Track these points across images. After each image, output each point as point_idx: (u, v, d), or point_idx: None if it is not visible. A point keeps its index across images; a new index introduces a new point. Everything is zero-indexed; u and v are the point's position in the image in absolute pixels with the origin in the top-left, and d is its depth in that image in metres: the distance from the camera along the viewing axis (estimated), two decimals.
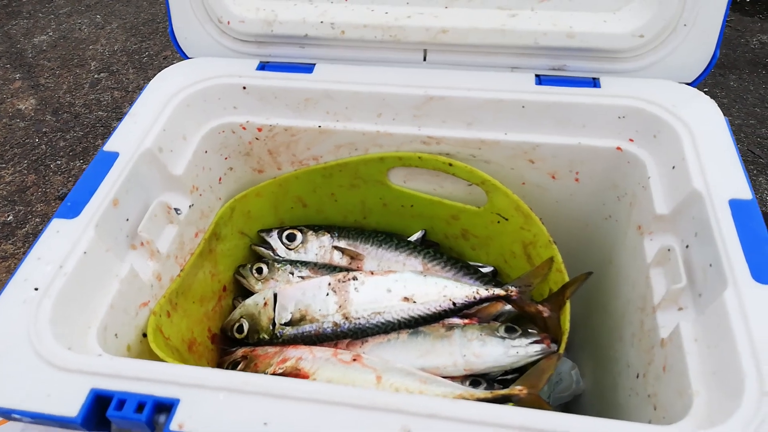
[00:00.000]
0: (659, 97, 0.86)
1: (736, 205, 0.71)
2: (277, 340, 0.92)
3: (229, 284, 1.04)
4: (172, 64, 1.00)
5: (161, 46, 2.55)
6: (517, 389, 0.73)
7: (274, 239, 1.07)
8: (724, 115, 0.84)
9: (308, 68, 0.97)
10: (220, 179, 1.00)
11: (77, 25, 2.69)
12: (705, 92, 0.88)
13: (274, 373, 0.85)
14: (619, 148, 0.89)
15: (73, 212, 0.76)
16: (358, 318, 0.89)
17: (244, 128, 0.99)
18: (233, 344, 0.97)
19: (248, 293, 1.02)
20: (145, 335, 0.80)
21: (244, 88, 0.96)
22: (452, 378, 0.83)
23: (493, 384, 0.85)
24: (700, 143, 0.79)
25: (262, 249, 1.07)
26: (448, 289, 0.89)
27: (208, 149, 0.96)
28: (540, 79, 0.92)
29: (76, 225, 0.75)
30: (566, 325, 0.80)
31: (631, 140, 0.88)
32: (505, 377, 0.87)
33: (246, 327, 0.95)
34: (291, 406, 0.57)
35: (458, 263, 1.00)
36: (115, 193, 0.79)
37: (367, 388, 0.78)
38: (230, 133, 0.99)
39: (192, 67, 0.99)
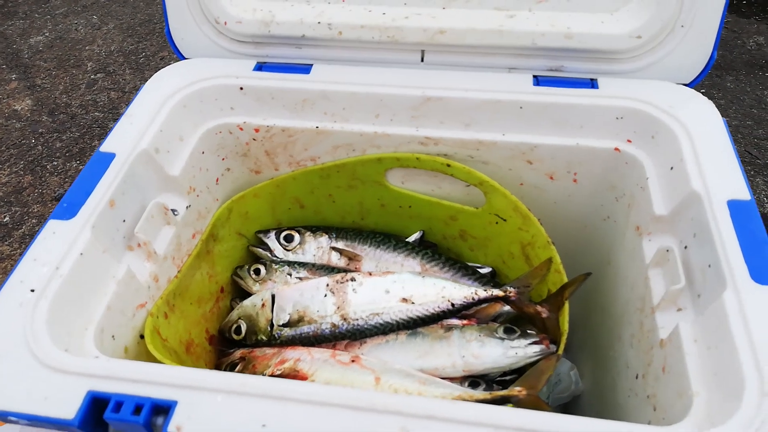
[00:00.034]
0: (657, 98, 0.86)
1: (734, 206, 0.71)
2: (275, 342, 0.92)
3: (226, 285, 1.04)
4: (169, 64, 0.99)
5: (158, 46, 2.54)
6: (516, 390, 0.73)
7: (271, 240, 1.07)
8: (722, 116, 0.84)
9: (305, 69, 0.97)
10: (217, 180, 1.00)
11: (73, 25, 2.68)
12: (702, 93, 0.88)
13: (272, 375, 0.84)
14: (617, 149, 0.89)
15: (70, 213, 0.76)
16: (357, 319, 0.88)
17: (241, 129, 0.98)
18: (231, 346, 0.97)
19: (246, 294, 1.02)
20: (142, 337, 0.80)
21: (241, 88, 0.96)
22: (451, 379, 0.83)
23: (492, 385, 0.85)
24: (698, 144, 0.79)
25: (260, 250, 1.07)
26: (447, 290, 0.89)
27: (205, 150, 0.96)
28: (538, 80, 0.92)
29: (72, 226, 0.75)
30: (565, 326, 0.80)
31: (629, 141, 0.88)
32: (504, 378, 0.86)
33: (244, 328, 0.95)
34: (289, 408, 0.57)
35: (457, 264, 1.00)
36: (111, 194, 0.79)
37: (365, 389, 0.78)
38: (227, 133, 0.99)
39: (189, 67, 0.99)
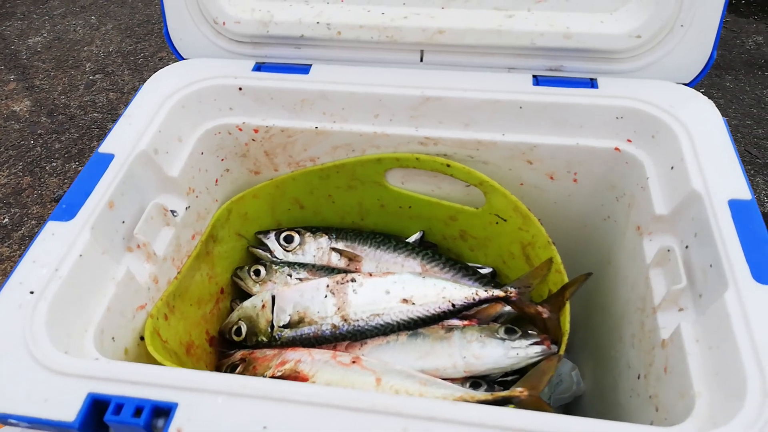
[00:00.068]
0: (657, 98, 0.86)
1: (735, 206, 0.71)
2: (276, 343, 0.92)
3: (226, 286, 1.04)
4: (168, 65, 0.99)
5: (156, 47, 2.54)
6: (517, 391, 0.73)
7: (271, 241, 1.06)
8: (721, 115, 0.84)
9: (304, 69, 0.97)
10: (216, 181, 1.00)
11: (72, 26, 2.68)
12: (701, 93, 0.88)
13: (273, 376, 0.84)
14: (617, 149, 0.89)
15: (69, 215, 0.76)
16: (357, 320, 0.88)
17: (240, 129, 0.98)
18: (231, 347, 0.97)
19: (246, 295, 1.02)
20: (142, 338, 0.79)
21: (240, 89, 0.95)
22: (452, 380, 0.83)
23: (494, 386, 0.85)
24: (698, 144, 0.79)
25: (260, 251, 1.07)
26: (447, 290, 0.88)
27: (204, 151, 0.96)
28: (537, 80, 0.92)
29: (71, 227, 0.74)
30: (566, 326, 0.80)
31: (629, 141, 0.88)
32: (505, 379, 0.86)
33: (244, 329, 0.95)
34: (290, 410, 0.57)
35: (457, 264, 1.00)
36: (110, 196, 0.79)
37: (366, 390, 0.78)
38: (226, 134, 0.98)
39: (187, 68, 0.98)
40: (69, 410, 0.58)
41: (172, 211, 0.88)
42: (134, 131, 0.87)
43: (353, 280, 0.91)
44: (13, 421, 0.59)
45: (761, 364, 0.57)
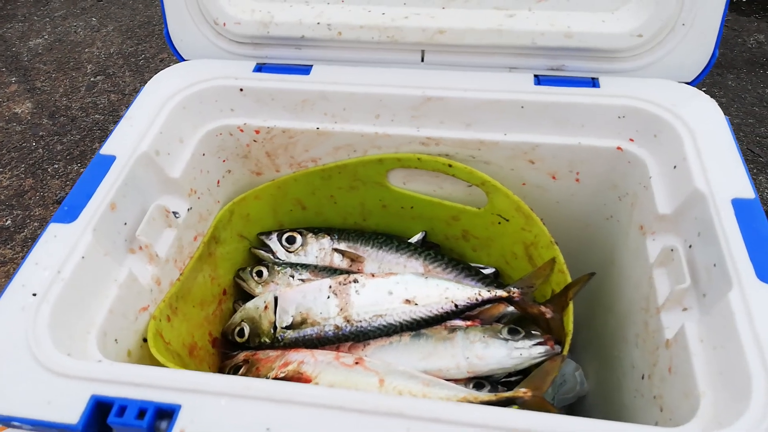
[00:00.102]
0: (659, 97, 0.86)
1: (738, 205, 0.70)
2: (279, 344, 0.92)
3: (229, 288, 1.03)
4: (169, 66, 0.99)
5: (157, 48, 2.54)
6: (521, 391, 0.73)
7: (273, 242, 1.06)
8: (723, 114, 0.84)
9: (305, 70, 0.97)
10: (218, 182, 1.00)
11: (73, 28, 2.68)
12: (703, 92, 0.88)
13: (276, 377, 0.84)
14: (619, 148, 0.88)
15: (71, 216, 0.76)
16: (360, 321, 0.88)
17: (241, 130, 0.98)
18: (234, 348, 0.97)
19: (249, 297, 1.02)
20: (145, 340, 0.79)
21: (241, 90, 0.95)
22: (455, 380, 0.83)
23: (497, 386, 0.84)
24: (701, 142, 0.79)
25: (262, 252, 1.07)
26: (450, 290, 0.88)
27: (206, 152, 0.96)
28: (539, 80, 0.92)
29: (73, 229, 0.74)
30: (570, 327, 0.80)
31: (632, 140, 0.88)
32: (508, 379, 0.86)
33: (247, 331, 0.95)
34: (293, 411, 0.57)
35: (459, 265, 0.99)
36: (112, 197, 0.79)
37: (369, 391, 0.78)
38: (228, 135, 0.98)
39: (188, 69, 0.98)
40: (72, 412, 0.58)
41: (174, 213, 0.88)
42: (135, 133, 0.86)
43: (356, 281, 0.91)
44: (16, 423, 0.59)
45: (766, 363, 0.56)
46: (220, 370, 0.95)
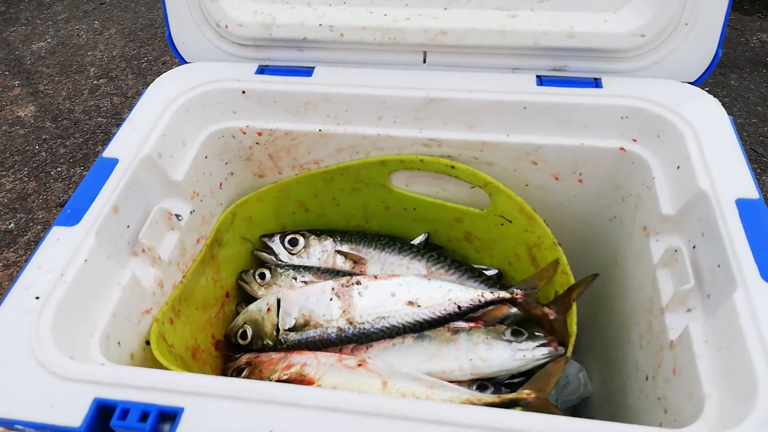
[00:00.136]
0: (662, 97, 0.86)
1: (743, 205, 0.70)
2: (282, 346, 0.92)
3: (231, 290, 1.03)
4: (171, 69, 0.99)
5: (160, 51, 2.54)
6: (525, 393, 0.72)
7: (276, 244, 1.06)
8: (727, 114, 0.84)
9: (307, 71, 0.97)
10: (220, 184, 1.00)
11: (75, 31, 2.69)
12: (706, 92, 0.88)
13: (278, 380, 0.84)
14: (622, 149, 0.88)
15: (74, 219, 0.76)
16: (363, 323, 0.88)
17: (244, 133, 0.98)
18: (237, 351, 0.97)
19: (251, 299, 1.01)
20: (148, 343, 0.79)
21: (244, 92, 0.95)
22: (459, 382, 0.83)
23: (501, 388, 0.84)
24: (704, 142, 0.79)
25: (265, 254, 1.06)
26: (453, 292, 0.88)
27: (208, 154, 0.96)
28: (541, 80, 0.92)
29: (76, 232, 0.74)
30: (573, 328, 0.79)
31: (635, 140, 0.88)
32: (512, 381, 0.86)
33: (250, 333, 0.95)
34: (297, 414, 0.57)
35: (462, 266, 0.99)
36: (115, 200, 0.79)
37: (372, 393, 0.78)
38: (230, 137, 0.98)
39: (190, 71, 0.98)
40: (75, 416, 0.58)
41: (177, 215, 0.88)
42: (138, 135, 0.87)
43: (358, 283, 0.91)
44: (19, 426, 0.59)
45: None
46: (223, 372, 0.95)
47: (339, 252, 1.05)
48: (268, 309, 0.94)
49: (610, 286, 0.95)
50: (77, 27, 2.71)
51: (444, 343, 0.86)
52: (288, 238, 1.06)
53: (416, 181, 1.01)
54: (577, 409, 1.01)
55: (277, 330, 0.92)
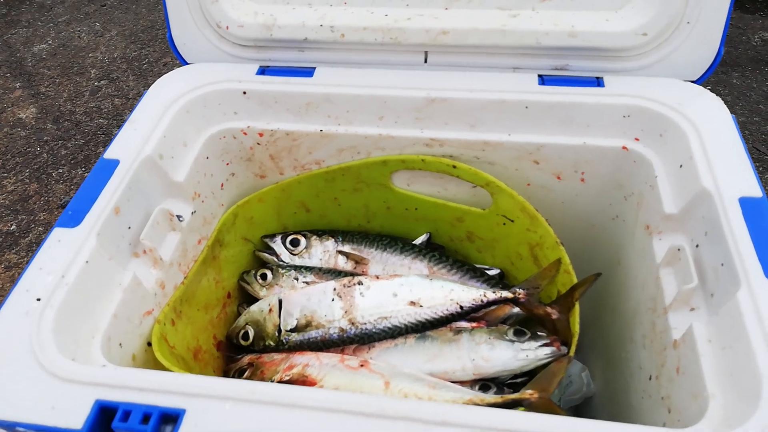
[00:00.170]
0: (664, 96, 0.85)
1: (746, 203, 0.70)
2: (283, 347, 0.92)
3: (233, 291, 1.03)
4: (172, 70, 0.99)
5: (161, 52, 2.54)
6: (527, 393, 0.72)
7: (277, 245, 1.06)
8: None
9: (308, 72, 0.96)
10: (222, 185, 1.00)
11: (76, 33, 2.69)
12: (708, 90, 0.87)
13: (280, 380, 0.84)
14: (624, 148, 0.88)
15: (75, 221, 0.76)
16: (365, 323, 0.88)
17: (245, 133, 0.98)
18: (239, 351, 0.97)
19: (253, 300, 1.01)
20: (149, 344, 0.79)
21: (245, 93, 0.95)
22: (461, 382, 0.82)
23: (503, 388, 0.84)
24: (707, 141, 0.79)
25: (266, 255, 1.06)
26: (455, 292, 0.88)
27: (210, 155, 0.96)
28: (543, 79, 0.92)
29: (77, 234, 0.74)
30: (576, 327, 0.79)
31: (637, 139, 0.87)
32: (514, 380, 0.86)
33: (251, 334, 0.94)
34: (299, 415, 0.56)
35: (464, 266, 0.99)
36: (116, 201, 0.78)
37: (375, 394, 0.78)
38: (231, 138, 0.98)
39: (191, 72, 0.98)
40: (76, 418, 0.57)
41: (178, 216, 0.88)
42: (139, 137, 0.86)
43: (360, 283, 0.91)
44: (20, 429, 0.58)
45: None
46: (225, 373, 0.95)
47: (340, 252, 1.04)
48: (270, 310, 0.94)
49: (612, 285, 0.95)
50: (78, 29, 2.72)
51: (446, 344, 0.86)
52: (289, 238, 1.06)
53: (418, 181, 1.01)
54: (580, 408, 1.01)
55: (279, 331, 0.92)
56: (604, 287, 0.96)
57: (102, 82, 2.40)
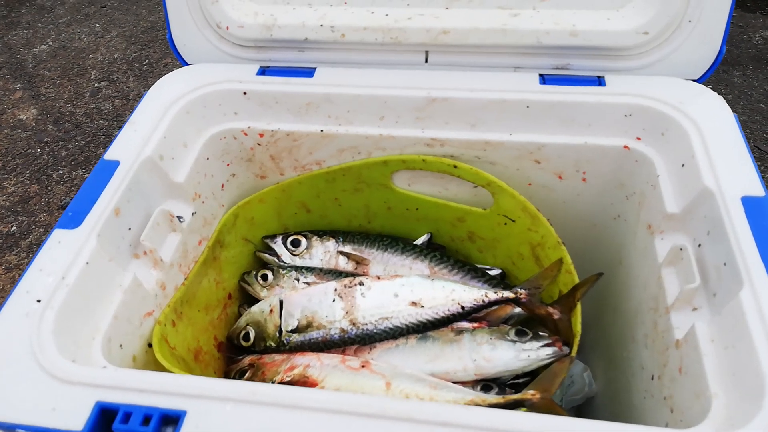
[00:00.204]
0: (666, 95, 0.85)
1: (748, 202, 0.69)
2: (284, 348, 0.91)
3: (234, 292, 1.03)
4: (172, 71, 0.99)
5: (161, 53, 2.54)
6: (529, 394, 0.72)
7: (278, 245, 1.06)
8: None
9: (309, 72, 0.96)
10: (222, 186, 1.00)
11: (77, 34, 2.69)
12: (709, 89, 0.87)
13: (281, 381, 0.84)
14: (626, 147, 0.88)
15: (75, 222, 0.75)
16: (366, 324, 0.87)
17: (245, 134, 0.98)
18: (240, 352, 0.96)
19: (254, 300, 1.01)
20: (150, 345, 0.79)
21: (245, 93, 0.95)
22: (463, 383, 0.82)
23: (505, 388, 0.84)
24: (709, 140, 0.78)
25: (267, 255, 1.06)
26: (456, 292, 0.88)
27: (210, 156, 0.96)
28: (544, 79, 0.91)
29: (77, 235, 0.74)
30: (578, 328, 0.79)
31: (639, 138, 0.87)
32: (516, 381, 0.85)
33: (252, 335, 0.94)
34: (300, 416, 0.56)
35: (465, 266, 0.99)
36: (116, 202, 0.78)
37: (376, 394, 0.77)
38: (231, 139, 0.98)
39: (191, 73, 0.98)
40: (77, 419, 0.57)
41: (179, 217, 0.87)
42: (139, 137, 0.86)
43: (361, 284, 0.90)
44: (20, 430, 0.58)
45: None
46: (226, 374, 0.94)
47: (341, 253, 1.04)
48: (271, 310, 0.94)
49: (614, 285, 0.95)
50: (78, 30, 2.72)
51: (447, 344, 0.85)
52: (290, 239, 1.06)
53: (418, 181, 1.01)
54: (582, 408, 1.00)
55: (280, 331, 0.92)
56: (606, 287, 0.96)
57: (102, 83, 2.40)
